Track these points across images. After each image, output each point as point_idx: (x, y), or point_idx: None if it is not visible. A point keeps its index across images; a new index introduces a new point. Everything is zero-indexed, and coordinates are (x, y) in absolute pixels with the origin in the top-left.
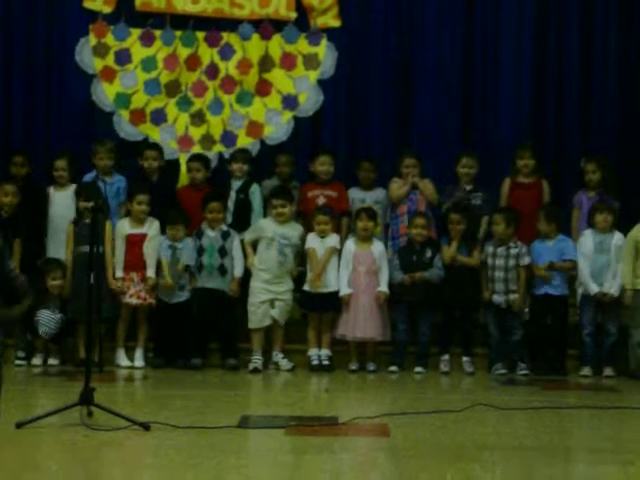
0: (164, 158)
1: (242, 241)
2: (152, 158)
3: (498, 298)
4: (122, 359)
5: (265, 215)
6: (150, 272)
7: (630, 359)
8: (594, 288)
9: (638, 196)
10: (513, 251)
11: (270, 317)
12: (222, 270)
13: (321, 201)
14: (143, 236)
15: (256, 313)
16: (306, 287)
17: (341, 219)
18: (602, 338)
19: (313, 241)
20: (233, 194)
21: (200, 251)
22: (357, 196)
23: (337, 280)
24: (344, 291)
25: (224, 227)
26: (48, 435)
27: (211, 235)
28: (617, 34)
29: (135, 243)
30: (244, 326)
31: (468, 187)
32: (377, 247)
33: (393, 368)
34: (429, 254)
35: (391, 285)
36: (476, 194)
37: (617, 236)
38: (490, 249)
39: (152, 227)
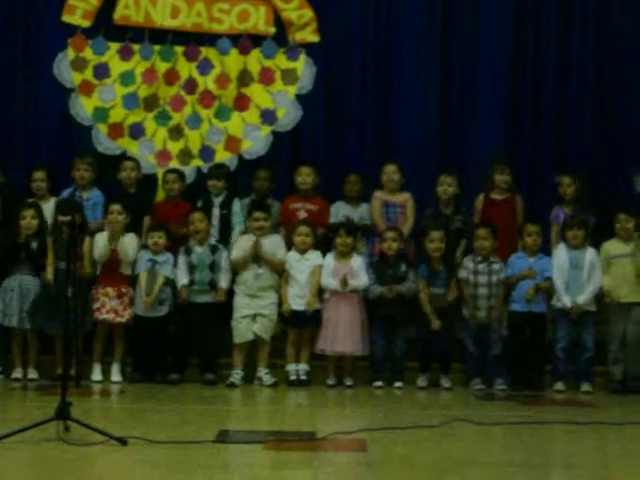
0: (142, 171)
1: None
2: (130, 168)
3: (480, 314)
4: (97, 374)
5: (245, 230)
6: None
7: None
8: (568, 302)
9: (612, 212)
10: (494, 266)
11: (252, 332)
12: (212, 285)
13: (302, 215)
14: None
15: (238, 328)
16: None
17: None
18: (578, 353)
19: (292, 258)
20: (216, 210)
21: (190, 268)
22: (343, 211)
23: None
24: (331, 284)
25: (212, 241)
26: (24, 450)
27: (199, 251)
28: (595, 53)
29: (113, 257)
30: (229, 342)
31: (448, 210)
32: (356, 262)
33: (379, 383)
34: (403, 268)
35: (369, 300)
36: (457, 217)
37: (590, 252)
38: (470, 265)
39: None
